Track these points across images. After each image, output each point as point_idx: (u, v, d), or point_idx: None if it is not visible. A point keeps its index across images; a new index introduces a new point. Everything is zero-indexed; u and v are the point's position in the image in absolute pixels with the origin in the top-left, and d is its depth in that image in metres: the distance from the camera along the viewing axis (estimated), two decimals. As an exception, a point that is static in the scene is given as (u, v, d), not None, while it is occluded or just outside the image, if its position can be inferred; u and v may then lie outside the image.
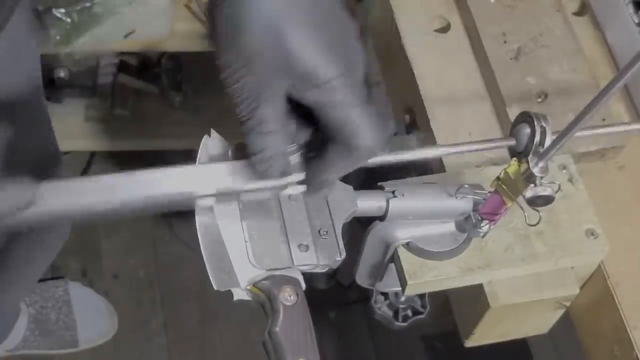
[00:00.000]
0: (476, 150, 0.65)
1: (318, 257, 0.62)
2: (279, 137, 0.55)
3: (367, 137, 0.55)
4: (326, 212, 0.64)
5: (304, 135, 0.59)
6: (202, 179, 0.59)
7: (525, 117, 0.60)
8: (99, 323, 1.58)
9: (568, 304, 0.77)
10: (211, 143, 0.65)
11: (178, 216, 1.69)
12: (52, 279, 1.58)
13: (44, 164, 1.03)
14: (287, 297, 0.60)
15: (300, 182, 0.60)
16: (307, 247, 0.62)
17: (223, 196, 0.60)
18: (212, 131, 0.66)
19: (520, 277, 0.73)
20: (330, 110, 0.54)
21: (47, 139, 1.04)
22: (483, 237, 0.69)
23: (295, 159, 0.59)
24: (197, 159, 0.64)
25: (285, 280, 0.60)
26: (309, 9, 0.53)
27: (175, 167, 0.60)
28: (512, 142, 0.60)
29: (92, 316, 1.58)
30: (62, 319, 1.54)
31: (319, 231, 0.62)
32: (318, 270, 0.62)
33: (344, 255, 0.62)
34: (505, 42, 0.87)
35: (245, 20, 0.52)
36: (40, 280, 1.55)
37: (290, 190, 0.60)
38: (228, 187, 0.59)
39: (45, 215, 0.55)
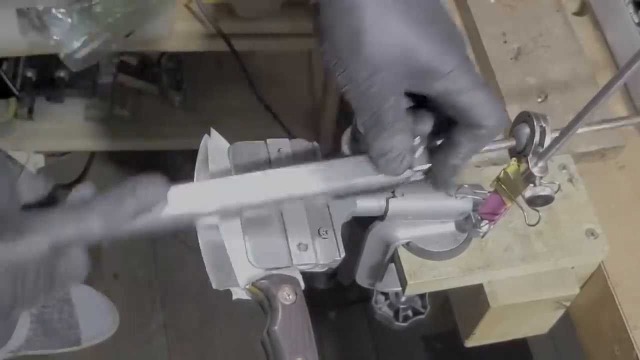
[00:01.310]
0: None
1: (317, 256, 0.62)
2: (404, 136, 0.57)
3: (494, 117, 0.57)
4: (326, 212, 0.64)
5: (425, 126, 0.60)
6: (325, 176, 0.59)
7: (525, 117, 0.60)
8: (101, 320, 1.58)
9: (568, 304, 0.77)
10: (211, 142, 0.65)
11: (178, 216, 1.69)
12: None
13: None
14: (286, 296, 0.60)
15: (426, 172, 0.61)
16: (306, 247, 0.62)
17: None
18: (212, 130, 0.66)
19: (520, 277, 0.73)
20: (457, 96, 0.56)
21: None
22: (483, 237, 0.69)
23: (419, 151, 0.60)
24: (197, 159, 0.64)
25: (284, 280, 0.60)
26: (419, 4, 0.55)
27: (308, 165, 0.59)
28: (512, 143, 0.60)
29: (93, 314, 1.58)
30: (64, 317, 1.54)
31: (319, 231, 0.62)
32: (317, 270, 0.62)
33: (343, 255, 0.62)
34: (505, 42, 0.87)
35: (370, 30, 0.53)
36: None
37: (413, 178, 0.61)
38: (344, 186, 0.59)
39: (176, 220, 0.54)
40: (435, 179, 0.61)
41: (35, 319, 1.50)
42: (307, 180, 0.58)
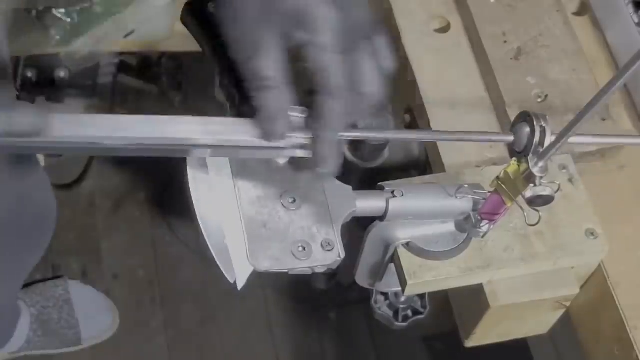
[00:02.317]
0: (474, 140, 0.64)
1: (317, 257, 0.62)
2: (279, 93, 0.54)
3: (335, 87, 0.53)
4: (326, 212, 0.64)
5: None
6: (205, 128, 0.57)
7: (525, 117, 0.60)
8: (101, 319, 1.58)
9: (568, 304, 0.77)
10: None
11: (178, 216, 1.69)
12: (52, 278, 1.58)
13: None
14: None
15: (303, 147, 0.57)
16: (306, 247, 0.62)
17: (219, 151, 0.58)
18: None
19: (520, 277, 0.73)
20: (312, 51, 0.53)
21: None
22: (483, 237, 0.69)
23: (300, 121, 0.57)
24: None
25: None
26: None
27: (181, 117, 0.58)
28: (510, 138, 0.60)
29: (93, 313, 1.58)
30: (64, 317, 1.54)
31: (319, 231, 0.62)
32: (317, 270, 0.62)
33: (343, 255, 0.62)
34: (505, 42, 0.87)
35: None
36: (40, 281, 1.55)
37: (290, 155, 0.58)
38: (229, 140, 0.57)
39: (54, 144, 0.53)
40: (313, 156, 0.56)
41: (35, 320, 1.50)
42: (190, 128, 0.57)
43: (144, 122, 0.56)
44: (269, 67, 0.53)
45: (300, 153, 0.58)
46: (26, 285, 1.51)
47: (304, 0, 0.53)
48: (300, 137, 0.57)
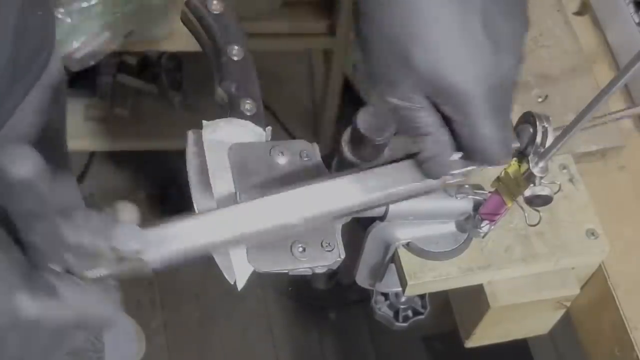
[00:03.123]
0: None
1: (317, 257, 0.61)
2: (445, 139, 0.56)
3: (493, 154, 0.56)
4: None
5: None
6: (364, 185, 0.58)
7: (528, 118, 0.60)
8: (127, 347, 1.57)
9: (568, 304, 0.77)
10: (206, 134, 0.65)
11: (178, 216, 1.69)
12: None
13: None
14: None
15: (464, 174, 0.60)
16: (306, 248, 0.61)
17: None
18: (203, 122, 0.65)
19: (521, 277, 0.73)
20: (460, 126, 0.55)
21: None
22: (483, 237, 0.69)
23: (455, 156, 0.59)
24: (187, 155, 0.64)
25: None
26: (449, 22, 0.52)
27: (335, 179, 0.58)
28: (517, 145, 0.60)
29: (120, 340, 1.56)
30: (90, 340, 1.52)
31: (319, 231, 0.62)
32: (318, 270, 0.62)
33: (343, 255, 0.62)
34: (505, 42, 0.87)
35: (413, 51, 0.52)
36: None
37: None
38: (395, 193, 0.59)
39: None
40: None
41: None
42: (347, 191, 0.58)
43: (296, 197, 0.56)
44: (422, 117, 0.55)
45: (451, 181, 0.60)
46: None
47: (444, 70, 0.53)
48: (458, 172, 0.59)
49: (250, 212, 0.56)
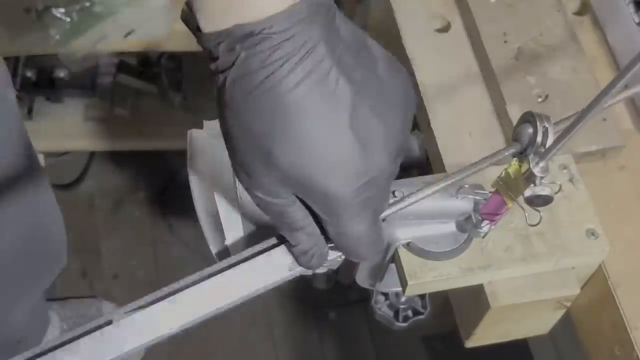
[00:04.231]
0: (485, 167, 0.63)
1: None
2: (308, 234, 0.55)
3: (359, 254, 0.56)
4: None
5: None
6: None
7: (528, 117, 0.60)
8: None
9: (568, 304, 0.77)
10: (194, 137, 0.65)
11: (178, 216, 1.69)
12: (87, 297, 1.57)
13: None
14: None
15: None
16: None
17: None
18: (205, 122, 0.66)
19: (521, 277, 0.73)
20: (324, 224, 0.54)
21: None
22: (483, 237, 0.69)
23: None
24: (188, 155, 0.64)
25: None
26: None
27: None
28: (517, 146, 0.60)
29: None
30: None
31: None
32: (319, 270, 0.62)
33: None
34: (505, 42, 0.87)
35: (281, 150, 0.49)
36: (74, 297, 1.54)
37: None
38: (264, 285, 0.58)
39: None
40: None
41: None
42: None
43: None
44: (291, 212, 0.53)
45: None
46: (62, 299, 1.51)
47: (307, 169, 0.50)
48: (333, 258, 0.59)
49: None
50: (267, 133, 0.48)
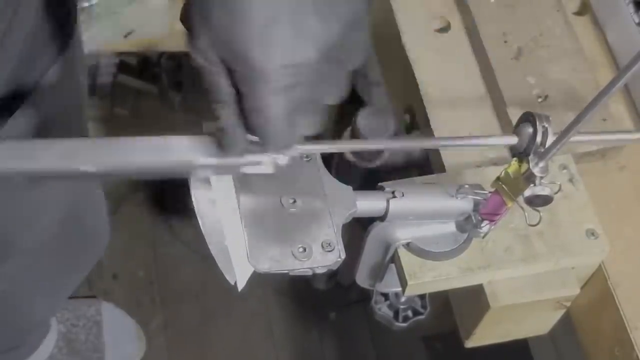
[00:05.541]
0: (477, 145, 0.64)
1: (318, 258, 0.61)
2: (226, 111, 0.55)
3: (270, 134, 0.55)
4: (326, 213, 0.64)
5: None
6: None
7: (528, 117, 0.60)
8: (127, 347, 1.56)
9: (568, 304, 0.77)
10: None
11: (178, 217, 1.69)
12: (86, 297, 1.57)
13: None
14: None
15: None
16: (306, 249, 0.62)
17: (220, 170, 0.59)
18: (204, 123, 0.66)
19: (521, 277, 0.73)
20: (242, 99, 0.54)
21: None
22: (483, 237, 0.69)
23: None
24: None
25: None
26: None
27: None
28: (514, 140, 0.60)
29: (120, 339, 1.55)
30: (91, 339, 1.51)
31: (319, 232, 0.62)
32: (318, 271, 0.62)
33: (343, 256, 0.62)
34: (505, 42, 0.87)
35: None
36: (73, 297, 1.54)
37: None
38: (184, 161, 0.59)
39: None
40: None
41: (62, 337, 1.48)
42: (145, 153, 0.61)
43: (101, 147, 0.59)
44: (220, 82, 0.55)
45: (258, 169, 0.58)
46: None
47: (234, 36, 0.52)
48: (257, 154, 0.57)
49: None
50: None
